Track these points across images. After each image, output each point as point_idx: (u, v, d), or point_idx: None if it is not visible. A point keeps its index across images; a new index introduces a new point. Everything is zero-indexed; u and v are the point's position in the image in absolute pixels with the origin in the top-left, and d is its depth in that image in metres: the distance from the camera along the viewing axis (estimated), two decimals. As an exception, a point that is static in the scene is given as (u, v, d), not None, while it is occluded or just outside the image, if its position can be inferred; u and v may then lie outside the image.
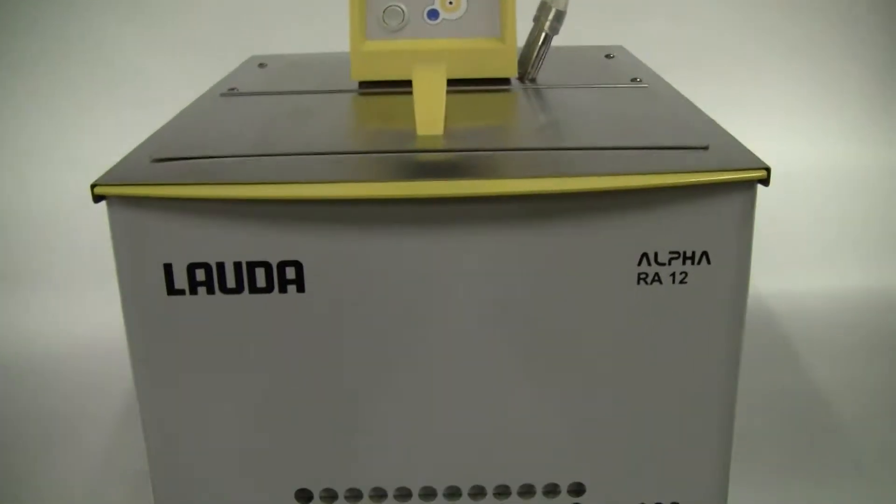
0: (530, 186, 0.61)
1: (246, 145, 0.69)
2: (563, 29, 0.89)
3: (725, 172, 0.62)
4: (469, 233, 0.63)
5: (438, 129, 0.70)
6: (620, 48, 1.08)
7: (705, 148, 0.66)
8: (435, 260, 0.64)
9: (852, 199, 1.59)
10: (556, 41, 0.91)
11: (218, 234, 0.63)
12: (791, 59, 1.69)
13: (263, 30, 1.61)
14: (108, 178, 0.63)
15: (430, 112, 0.70)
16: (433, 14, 0.88)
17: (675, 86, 0.87)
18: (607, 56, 1.02)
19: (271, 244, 0.63)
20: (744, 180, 0.62)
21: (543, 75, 0.91)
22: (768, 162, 0.63)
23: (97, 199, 0.62)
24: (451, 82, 0.84)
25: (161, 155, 0.67)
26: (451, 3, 0.87)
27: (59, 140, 1.61)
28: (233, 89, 0.88)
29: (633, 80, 0.88)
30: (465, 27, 0.88)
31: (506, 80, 0.88)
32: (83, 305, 1.27)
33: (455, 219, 0.62)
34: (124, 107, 1.60)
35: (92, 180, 0.62)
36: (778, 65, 1.69)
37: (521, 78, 0.89)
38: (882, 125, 1.71)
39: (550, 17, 0.88)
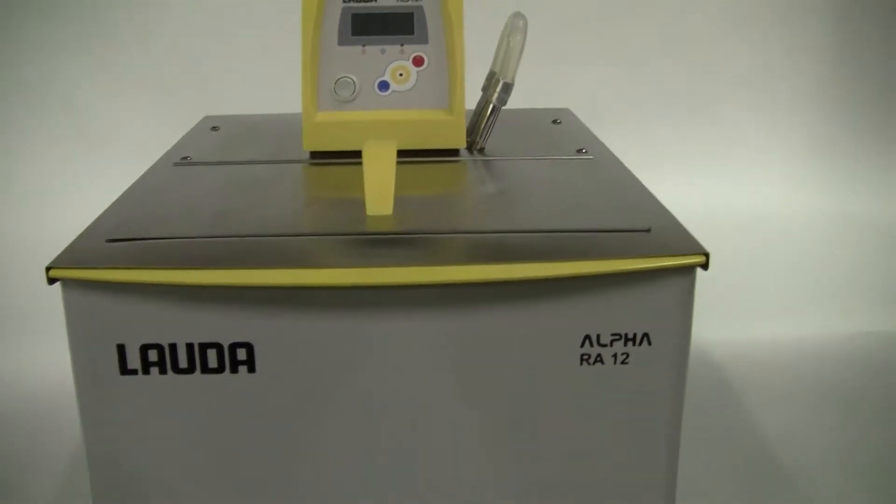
0: (475, 274, 0.63)
1: (198, 224, 0.70)
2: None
3: (666, 258, 0.64)
4: (416, 316, 0.64)
5: (387, 209, 0.71)
6: (567, 111, 1.11)
7: (647, 230, 0.68)
8: (383, 342, 0.65)
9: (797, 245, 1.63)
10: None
11: (170, 317, 0.64)
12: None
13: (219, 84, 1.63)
14: (63, 261, 0.64)
15: (379, 192, 0.72)
16: (384, 86, 0.90)
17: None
18: (554, 121, 1.04)
19: (223, 326, 0.64)
20: (683, 266, 0.64)
21: (492, 144, 0.93)
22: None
23: (51, 281, 0.63)
24: (401, 153, 0.86)
25: (116, 235, 0.68)
26: (401, 74, 0.89)
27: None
28: (186, 158, 0.89)
29: (579, 150, 0.90)
30: (415, 99, 0.90)
31: (455, 151, 0.90)
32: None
33: (402, 303, 0.64)
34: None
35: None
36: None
37: (470, 147, 0.91)
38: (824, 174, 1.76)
39: (498, 88, 0.90)
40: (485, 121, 0.91)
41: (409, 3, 0.89)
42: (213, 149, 0.94)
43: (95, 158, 1.63)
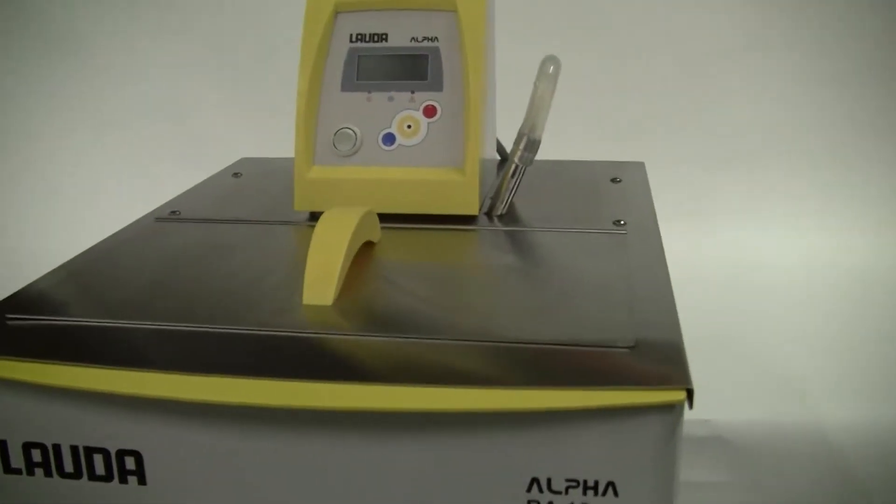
0: (392, 400, 0.51)
1: (112, 305, 0.63)
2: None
3: (636, 392, 0.50)
4: (321, 440, 0.53)
5: (327, 300, 0.60)
6: (638, 166, 0.96)
7: (631, 347, 0.54)
8: (287, 465, 0.54)
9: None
10: (581, 151, 0.80)
11: (53, 416, 0.56)
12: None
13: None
14: None
15: (320, 277, 0.61)
16: (389, 139, 0.78)
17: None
18: (613, 180, 0.90)
19: (108, 431, 0.56)
20: (660, 405, 0.50)
21: (524, 206, 0.81)
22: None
23: None
24: (407, 217, 0.76)
25: (18, 312, 0.61)
26: (409, 126, 0.78)
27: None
28: (174, 212, 0.81)
29: (616, 221, 0.76)
30: (424, 155, 0.78)
31: (469, 217, 0.77)
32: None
33: (304, 423, 0.53)
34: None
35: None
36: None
37: (490, 213, 0.79)
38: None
39: (522, 146, 0.77)
40: (505, 183, 0.78)
41: (424, 44, 0.77)
42: (214, 200, 0.86)
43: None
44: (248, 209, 0.82)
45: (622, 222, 0.77)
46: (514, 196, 0.79)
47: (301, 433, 0.53)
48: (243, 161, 1.01)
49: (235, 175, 0.95)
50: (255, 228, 0.77)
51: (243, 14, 1.66)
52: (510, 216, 0.79)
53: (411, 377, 0.52)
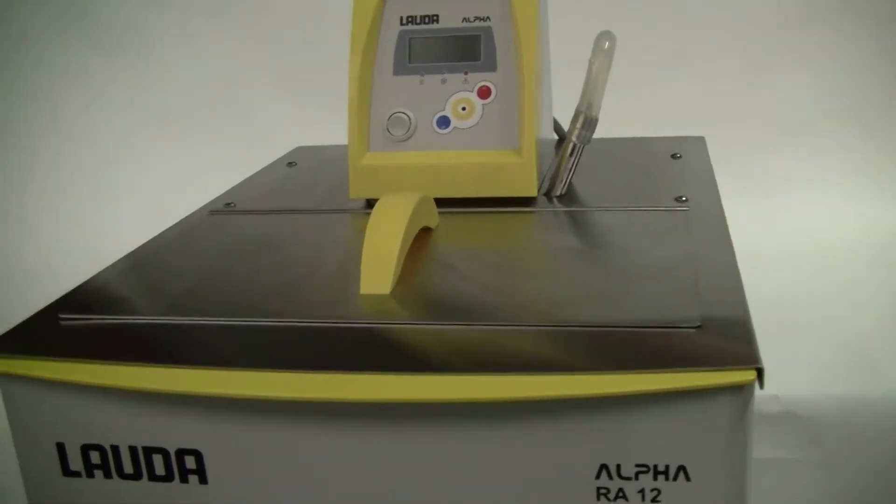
0: (458, 390, 0.50)
1: (168, 301, 0.62)
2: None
3: (706, 373, 0.49)
4: (382, 434, 0.52)
5: (385, 288, 0.59)
6: (699, 141, 0.94)
7: (697, 327, 0.52)
8: (354, 460, 0.53)
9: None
10: (638, 128, 0.78)
11: (111, 416, 0.55)
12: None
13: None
14: (4, 345, 0.57)
15: (377, 267, 0.60)
16: (444, 122, 0.77)
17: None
18: (673, 156, 0.88)
19: (168, 430, 0.55)
20: (731, 385, 0.48)
21: (585, 185, 0.79)
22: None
23: None
24: (465, 201, 0.74)
25: (71, 312, 0.61)
26: (464, 108, 0.76)
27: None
28: (229, 205, 0.80)
29: (678, 198, 0.74)
30: (480, 137, 0.76)
31: (528, 199, 0.76)
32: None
33: (367, 417, 0.52)
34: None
35: None
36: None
37: (549, 193, 0.77)
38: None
39: (579, 125, 0.76)
40: (564, 163, 0.76)
41: (476, 24, 0.76)
42: (269, 191, 0.85)
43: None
44: (303, 199, 0.81)
45: (684, 199, 0.75)
46: (572, 176, 0.78)
47: (364, 426, 0.52)
48: (298, 150, 1.01)
49: (290, 164, 0.94)
50: (310, 218, 0.76)
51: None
52: (569, 196, 0.78)
53: (476, 366, 0.51)
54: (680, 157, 0.88)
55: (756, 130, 1.58)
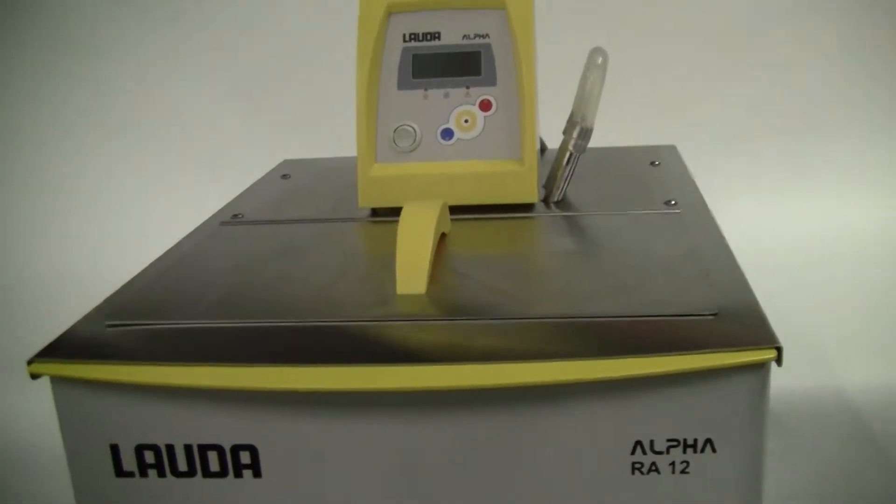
0: (507, 376, 0.54)
1: (211, 306, 0.64)
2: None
3: (729, 354, 0.53)
4: (439, 420, 0.56)
5: (420, 288, 0.63)
6: (671, 150, 1.00)
7: (714, 314, 0.57)
8: (405, 448, 0.57)
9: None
10: (609, 138, 0.83)
11: (165, 416, 0.58)
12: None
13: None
14: (51, 351, 0.59)
15: (411, 268, 0.63)
16: (447, 134, 0.81)
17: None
18: (652, 163, 0.94)
19: (223, 427, 0.57)
20: (751, 363, 0.53)
21: (576, 192, 0.84)
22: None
23: (34, 376, 0.57)
24: (467, 208, 0.78)
25: (117, 319, 0.63)
26: (466, 121, 0.81)
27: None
28: (237, 216, 0.83)
29: (667, 202, 0.79)
30: (482, 148, 0.81)
31: (528, 205, 0.80)
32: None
33: (422, 406, 0.55)
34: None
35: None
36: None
37: (547, 200, 0.82)
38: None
39: (575, 135, 0.81)
40: (561, 171, 0.81)
41: (476, 41, 0.80)
42: (272, 202, 0.88)
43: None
44: (310, 209, 0.85)
45: (673, 202, 0.80)
46: (569, 183, 0.83)
47: (415, 416, 0.56)
48: (286, 163, 1.04)
49: (284, 177, 0.98)
50: (322, 227, 0.79)
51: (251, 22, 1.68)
52: (566, 202, 0.82)
53: (523, 355, 0.55)
54: (659, 164, 0.94)
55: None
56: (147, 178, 1.68)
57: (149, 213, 1.62)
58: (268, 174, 1.00)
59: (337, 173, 0.96)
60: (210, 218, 0.85)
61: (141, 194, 1.67)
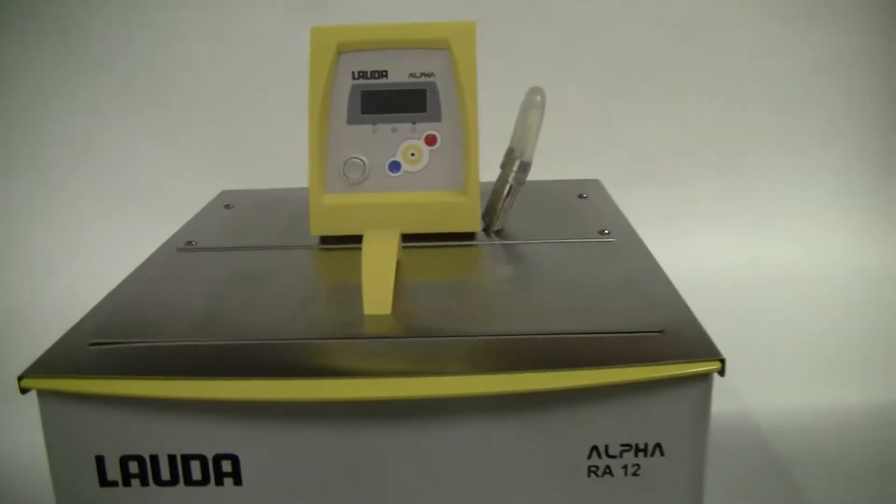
0: (474, 387, 0.59)
1: (188, 326, 0.67)
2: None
3: (677, 365, 0.59)
4: (410, 430, 0.60)
5: (385, 309, 0.67)
6: (596, 183, 1.06)
7: (661, 332, 0.63)
8: (376, 456, 0.61)
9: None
10: (537, 173, 0.89)
11: (151, 428, 0.61)
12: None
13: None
14: (39, 367, 0.61)
15: (377, 290, 0.68)
16: (395, 166, 0.86)
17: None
18: (580, 196, 1.00)
19: (206, 438, 0.61)
20: (697, 374, 0.59)
21: (512, 222, 0.89)
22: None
23: (23, 391, 0.60)
24: (414, 237, 0.82)
25: (99, 337, 0.65)
26: (413, 154, 0.86)
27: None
28: (190, 243, 0.86)
29: (601, 231, 0.86)
30: (428, 180, 0.86)
31: (470, 234, 0.86)
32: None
33: (394, 416, 0.60)
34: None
35: None
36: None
37: (487, 229, 0.87)
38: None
39: (515, 168, 0.86)
40: (501, 202, 0.87)
41: (422, 80, 0.85)
42: (222, 231, 0.91)
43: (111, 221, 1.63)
44: (260, 236, 0.88)
45: (606, 231, 0.86)
46: (509, 214, 0.88)
47: (389, 425, 0.60)
48: (225, 193, 1.07)
49: (227, 207, 1.01)
50: (277, 253, 0.83)
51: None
52: (505, 232, 0.88)
53: (487, 368, 0.60)
54: (587, 197, 1.00)
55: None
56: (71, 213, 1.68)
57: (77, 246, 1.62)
58: (209, 204, 1.03)
59: (277, 204, 1.00)
60: (162, 245, 0.87)
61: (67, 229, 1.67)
